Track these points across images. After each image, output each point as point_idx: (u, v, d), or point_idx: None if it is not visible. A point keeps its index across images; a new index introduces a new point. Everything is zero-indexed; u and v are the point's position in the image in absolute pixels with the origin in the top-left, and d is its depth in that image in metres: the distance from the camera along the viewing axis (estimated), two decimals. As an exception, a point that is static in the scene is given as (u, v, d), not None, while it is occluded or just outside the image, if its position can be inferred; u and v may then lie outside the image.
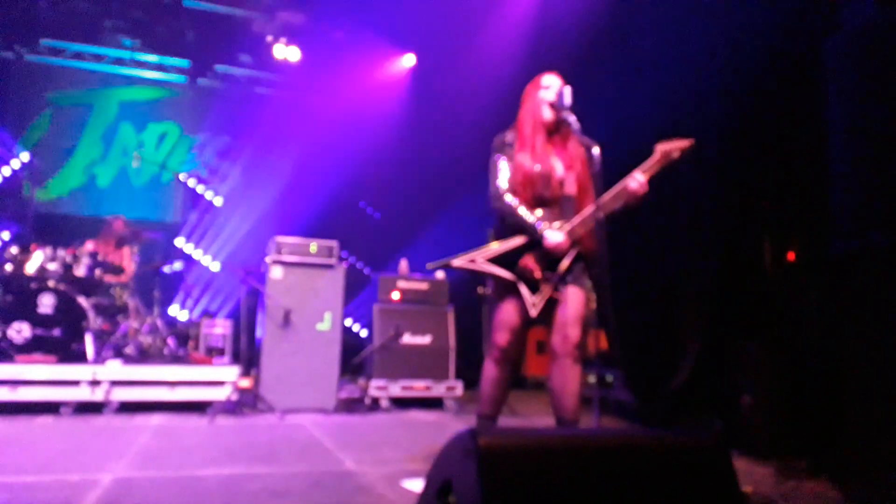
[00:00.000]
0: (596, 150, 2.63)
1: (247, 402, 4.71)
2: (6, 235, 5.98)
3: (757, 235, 3.91)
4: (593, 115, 3.16)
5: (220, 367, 4.84)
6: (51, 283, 4.93)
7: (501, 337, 2.80)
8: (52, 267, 5.11)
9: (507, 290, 2.77)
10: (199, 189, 8.26)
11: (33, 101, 8.07)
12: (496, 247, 2.78)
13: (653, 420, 4.13)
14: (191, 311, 6.50)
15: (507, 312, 2.78)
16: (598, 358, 3.93)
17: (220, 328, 6.40)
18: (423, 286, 5.63)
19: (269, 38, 7.58)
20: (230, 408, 4.55)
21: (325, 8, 7.62)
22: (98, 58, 8.17)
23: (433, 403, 5.34)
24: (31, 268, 5.12)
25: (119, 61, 8.22)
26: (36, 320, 4.78)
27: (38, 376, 4.42)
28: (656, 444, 1.55)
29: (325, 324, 5.13)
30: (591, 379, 4.51)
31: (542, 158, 2.79)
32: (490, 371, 2.85)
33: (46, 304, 4.85)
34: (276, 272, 5.11)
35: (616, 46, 5.45)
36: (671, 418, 3.96)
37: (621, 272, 4.43)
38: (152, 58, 8.23)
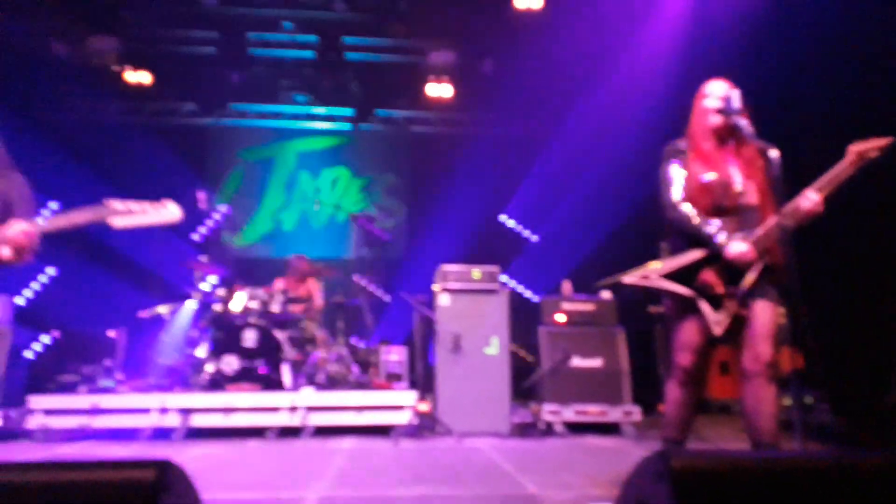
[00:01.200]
0: (774, 154, 2.47)
1: (426, 426, 4.92)
2: (213, 279, 6.81)
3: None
4: (771, 116, 2.98)
5: (399, 392, 5.11)
6: (252, 320, 5.53)
7: (684, 358, 2.68)
8: (253, 305, 5.74)
9: (686, 307, 2.66)
10: (371, 226, 8.84)
11: (227, 159, 9.19)
12: (670, 262, 2.69)
13: (864, 443, 3.69)
14: (369, 339, 6.95)
15: (689, 332, 2.66)
16: (795, 377, 3.61)
17: (395, 355, 6.75)
18: (590, 307, 5.54)
19: (430, 79, 8.01)
20: (411, 431, 4.78)
21: (473, 45, 7.91)
22: (277, 115, 9.13)
23: (609, 429, 5.19)
24: (235, 306, 5.80)
25: (294, 117, 9.13)
26: (242, 353, 5.37)
27: (245, 404, 4.97)
28: (879, 468, 1.40)
29: (493, 348, 5.23)
30: (787, 401, 4.15)
31: (716, 166, 2.66)
32: (674, 393, 2.73)
33: (250, 338, 5.44)
34: (443, 299, 5.31)
35: (783, 43, 5.08)
36: (886, 441, 3.52)
37: (815, 281, 4.05)
38: (321, 110, 9.03)
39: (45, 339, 6.77)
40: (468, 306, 5.29)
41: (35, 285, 7.96)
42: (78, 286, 7.97)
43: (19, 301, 7.69)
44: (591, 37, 7.09)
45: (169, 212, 2.43)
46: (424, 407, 4.91)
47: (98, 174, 7.76)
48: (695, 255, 2.64)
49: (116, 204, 2.35)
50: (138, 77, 8.01)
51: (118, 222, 2.33)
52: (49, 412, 4.90)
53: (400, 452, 4.20)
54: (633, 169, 6.69)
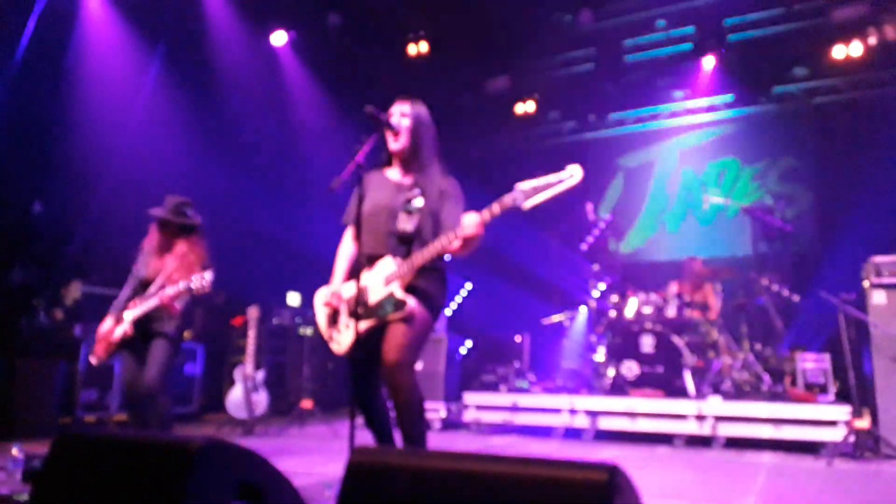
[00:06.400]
0: None
1: (866, 446, 4.16)
2: (603, 286, 7.00)
3: None
4: None
5: (827, 406, 4.45)
6: (648, 325, 5.50)
7: None
8: (647, 310, 5.71)
9: None
10: (769, 217, 7.99)
11: (607, 168, 9.37)
12: None
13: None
14: (777, 345, 6.22)
15: None
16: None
17: (813, 363, 5.89)
18: None
19: (836, 40, 6.88)
20: (847, 450, 4.11)
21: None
22: (654, 116, 8.95)
23: None
24: (629, 312, 5.86)
25: (673, 114, 8.81)
26: (641, 358, 5.38)
27: (649, 409, 4.95)
28: None
29: (960, 357, 4.15)
30: None
31: None
32: None
33: (647, 343, 5.42)
34: (878, 297, 4.47)
35: None
36: None
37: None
38: (702, 102, 8.53)
39: (468, 343, 7.90)
40: (914, 304, 4.33)
41: (458, 298, 9.37)
42: (488, 297, 9.11)
43: (447, 312, 9.15)
44: None
45: (572, 175, 2.37)
46: (863, 423, 4.16)
47: (497, 195, 8.72)
48: None
49: (523, 185, 2.41)
50: (525, 107, 8.77)
51: (528, 204, 2.39)
52: (479, 407, 5.68)
53: (835, 475, 3.64)
54: None
